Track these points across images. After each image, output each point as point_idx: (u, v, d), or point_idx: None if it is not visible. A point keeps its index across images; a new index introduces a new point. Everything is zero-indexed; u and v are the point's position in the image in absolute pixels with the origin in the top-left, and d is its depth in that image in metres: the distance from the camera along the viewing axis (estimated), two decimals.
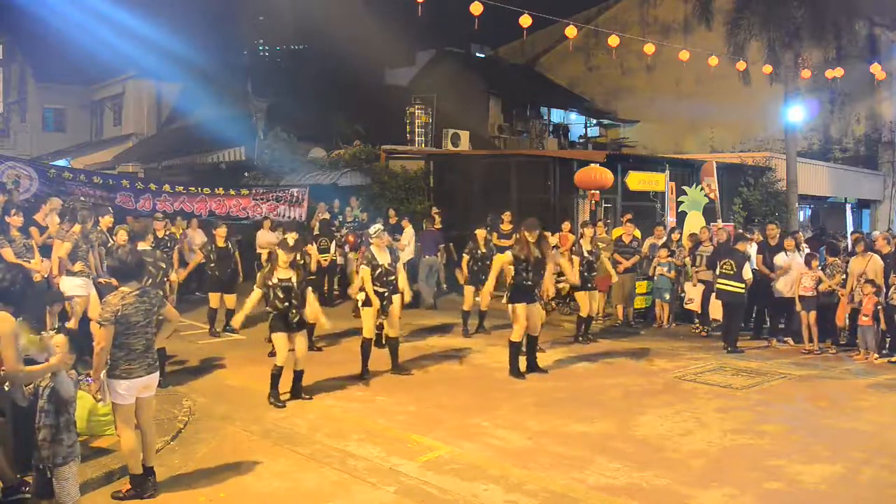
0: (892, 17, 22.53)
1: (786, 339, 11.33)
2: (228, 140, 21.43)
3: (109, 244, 9.04)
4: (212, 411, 7.34)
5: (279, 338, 7.61)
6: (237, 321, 7.97)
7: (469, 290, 11.62)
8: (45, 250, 8.87)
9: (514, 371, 8.95)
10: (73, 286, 8.54)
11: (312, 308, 7.83)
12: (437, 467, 5.97)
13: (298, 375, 7.77)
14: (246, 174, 19.96)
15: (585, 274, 10.84)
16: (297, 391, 7.75)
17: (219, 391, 8.06)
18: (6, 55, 35.14)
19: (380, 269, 8.55)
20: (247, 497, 5.43)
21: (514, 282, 8.96)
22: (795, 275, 10.99)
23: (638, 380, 9.00)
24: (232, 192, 15.91)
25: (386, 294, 8.63)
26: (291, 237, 9.26)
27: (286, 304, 7.52)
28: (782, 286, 11.14)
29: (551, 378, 8.99)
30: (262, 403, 7.56)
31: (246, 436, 6.72)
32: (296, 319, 7.59)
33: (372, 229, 8.88)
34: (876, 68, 17.38)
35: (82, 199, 11.81)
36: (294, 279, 7.61)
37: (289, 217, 16.02)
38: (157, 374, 5.52)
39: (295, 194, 16.53)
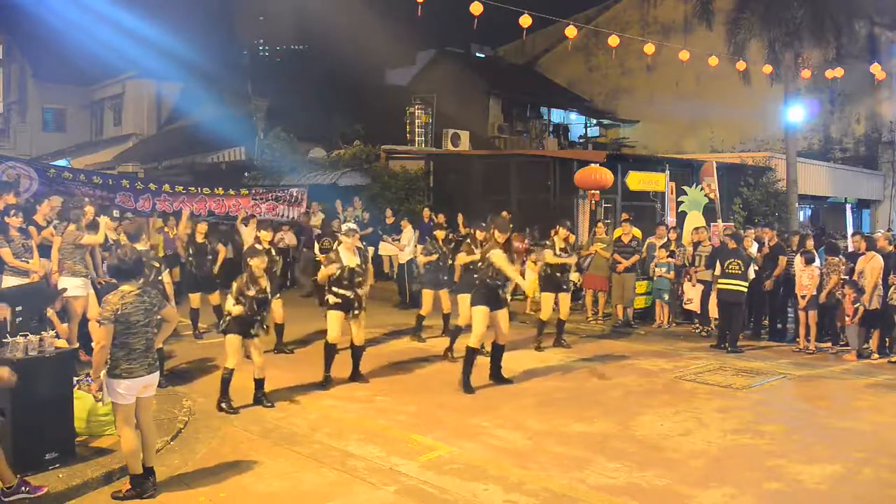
0: (892, 17, 22.51)
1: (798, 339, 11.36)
2: (228, 140, 21.46)
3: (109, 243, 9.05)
4: (212, 411, 7.33)
5: (233, 340, 7.35)
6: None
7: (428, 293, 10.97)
8: (44, 250, 8.86)
9: (465, 383, 8.22)
10: (71, 286, 8.55)
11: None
12: (437, 467, 5.97)
13: (259, 384, 7.59)
14: (246, 174, 19.98)
15: (558, 275, 10.42)
16: (259, 399, 7.57)
17: (219, 391, 8.04)
18: (6, 55, 35.12)
19: (345, 271, 8.20)
20: (247, 497, 5.43)
21: (479, 282, 8.35)
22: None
23: (638, 380, 8.99)
24: (231, 191, 15.92)
25: (352, 297, 8.25)
26: (265, 238, 8.97)
27: (256, 317, 7.36)
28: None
29: (551, 378, 8.98)
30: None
31: (246, 436, 6.71)
32: (256, 328, 7.41)
33: (344, 227, 8.56)
34: (876, 68, 17.35)
35: (87, 199, 11.76)
36: (268, 287, 7.43)
37: (288, 217, 16.03)
38: (158, 373, 5.52)
39: (294, 194, 16.55)
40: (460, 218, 13.95)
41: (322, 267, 8.35)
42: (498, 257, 8.13)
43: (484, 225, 9.34)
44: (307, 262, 15.19)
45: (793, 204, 17.45)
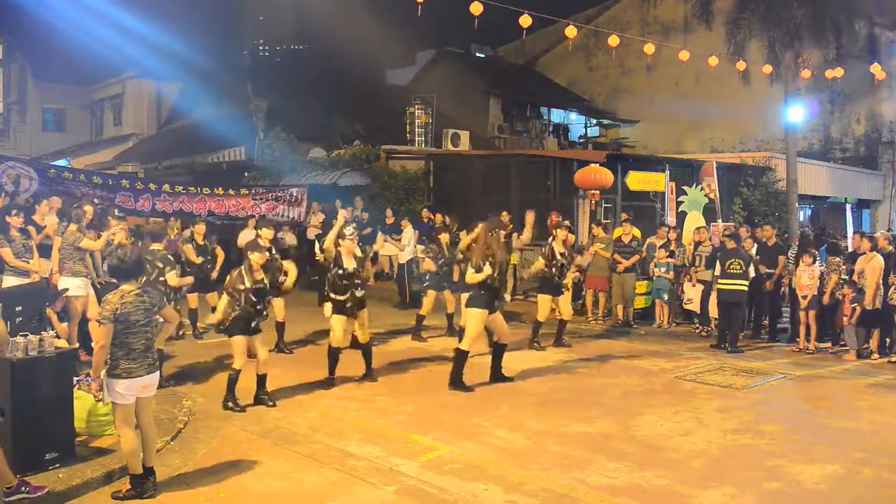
0: (892, 17, 22.49)
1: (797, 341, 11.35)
2: (228, 140, 21.47)
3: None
4: (212, 411, 7.33)
5: (238, 341, 7.35)
6: (213, 319, 7.63)
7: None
8: (44, 250, 8.86)
9: (456, 381, 8.23)
10: (71, 286, 8.55)
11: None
12: (436, 467, 5.97)
13: (261, 380, 7.59)
14: (246, 174, 19.98)
15: (556, 278, 10.39)
16: (261, 398, 7.56)
17: (219, 391, 8.00)
18: (6, 55, 35.15)
19: (344, 273, 8.21)
20: (246, 497, 5.43)
21: (476, 284, 8.27)
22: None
23: (638, 380, 8.99)
24: (231, 192, 15.89)
25: (350, 297, 8.28)
26: (266, 236, 8.79)
27: (258, 307, 7.34)
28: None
29: (551, 378, 8.98)
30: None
31: (245, 436, 6.71)
32: (260, 323, 7.42)
33: (347, 229, 8.49)
34: (876, 68, 17.34)
35: (96, 200, 11.74)
36: (267, 281, 7.41)
37: (288, 217, 16.02)
38: (158, 373, 5.51)
39: (294, 194, 16.52)
40: (447, 219, 13.97)
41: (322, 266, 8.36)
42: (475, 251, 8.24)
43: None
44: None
45: (793, 204, 17.43)
